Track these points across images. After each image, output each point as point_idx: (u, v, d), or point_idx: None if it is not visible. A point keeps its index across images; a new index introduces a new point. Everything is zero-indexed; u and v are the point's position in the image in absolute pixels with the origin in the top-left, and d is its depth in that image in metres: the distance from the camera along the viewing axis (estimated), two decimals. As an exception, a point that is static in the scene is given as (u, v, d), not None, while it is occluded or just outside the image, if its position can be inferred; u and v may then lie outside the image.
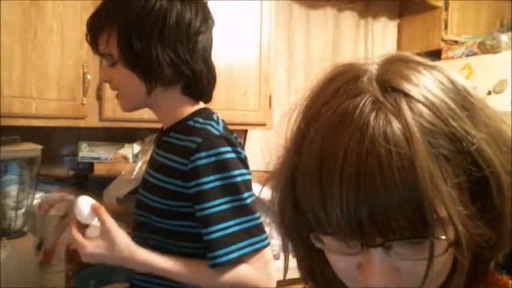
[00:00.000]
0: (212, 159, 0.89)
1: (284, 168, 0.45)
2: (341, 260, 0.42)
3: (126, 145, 1.86)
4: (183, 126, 0.98)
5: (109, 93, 1.65)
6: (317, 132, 0.40)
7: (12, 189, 1.38)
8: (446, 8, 2.35)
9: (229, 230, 0.89)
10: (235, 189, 0.91)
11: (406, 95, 0.38)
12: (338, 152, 0.37)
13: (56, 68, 1.48)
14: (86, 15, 1.56)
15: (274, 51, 2.05)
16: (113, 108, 1.65)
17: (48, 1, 1.45)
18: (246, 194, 0.92)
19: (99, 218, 0.92)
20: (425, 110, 0.38)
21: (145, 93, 0.95)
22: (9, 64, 1.34)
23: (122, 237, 0.91)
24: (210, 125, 0.95)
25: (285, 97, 2.37)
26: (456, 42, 2.28)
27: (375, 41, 2.55)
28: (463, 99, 0.41)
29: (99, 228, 0.91)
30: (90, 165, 1.78)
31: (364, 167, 0.36)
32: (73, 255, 1.42)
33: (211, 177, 0.89)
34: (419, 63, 0.42)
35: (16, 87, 1.37)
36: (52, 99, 1.49)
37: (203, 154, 0.89)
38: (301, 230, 0.44)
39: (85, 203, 0.94)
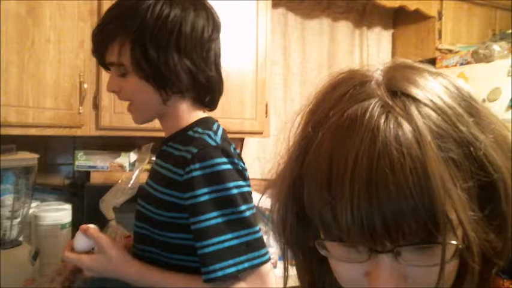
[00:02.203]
0: (207, 170, 0.86)
1: (286, 176, 0.43)
2: (347, 268, 0.40)
3: (123, 154, 1.85)
4: (182, 135, 0.96)
5: (105, 102, 1.65)
6: (325, 136, 0.39)
7: (8, 199, 1.37)
8: (440, 17, 2.38)
9: (226, 244, 0.85)
10: (231, 202, 0.87)
11: (415, 99, 0.38)
12: (348, 156, 0.36)
13: (52, 77, 1.49)
14: (83, 25, 1.58)
15: (271, 60, 2.07)
16: (109, 117, 1.66)
17: (46, 11, 1.46)
18: (243, 207, 0.88)
19: (92, 238, 0.93)
20: (433, 114, 0.38)
21: (160, 103, 0.93)
22: (5, 74, 1.35)
23: (117, 253, 0.91)
24: (207, 134, 0.91)
25: (281, 105, 2.38)
26: (450, 51, 2.30)
27: (369, 51, 2.57)
28: (469, 105, 0.41)
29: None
30: (87, 174, 1.78)
31: (376, 169, 0.35)
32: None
33: (206, 190, 0.86)
34: (424, 70, 0.42)
35: (12, 97, 1.37)
36: (48, 108, 1.49)
37: (197, 165, 0.86)
38: (303, 238, 0.44)
39: (78, 236, 0.96)
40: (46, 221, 1.50)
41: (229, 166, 0.88)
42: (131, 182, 1.64)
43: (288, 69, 2.39)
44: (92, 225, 0.97)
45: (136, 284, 0.91)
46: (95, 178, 1.74)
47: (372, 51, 2.57)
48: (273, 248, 1.72)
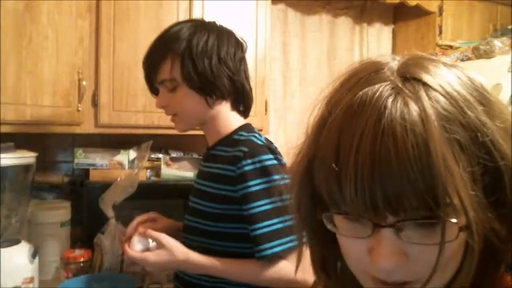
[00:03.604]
0: (257, 165, 1.03)
1: (303, 157, 0.46)
2: (352, 244, 0.42)
3: (122, 151, 1.85)
4: (228, 140, 1.12)
5: (104, 99, 1.64)
6: (337, 115, 0.41)
7: (7, 197, 1.37)
8: (441, 13, 2.37)
9: (273, 227, 1.01)
10: (277, 192, 1.01)
11: (425, 83, 0.40)
12: (355, 132, 0.38)
13: (50, 74, 1.48)
14: (81, 22, 1.57)
15: (270, 56, 2.06)
16: (108, 114, 1.65)
17: (43, 8, 1.45)
18: (285, 196, 1.00)
19: (151, 238, 1.06)
20: (442, 99, 0.39)
21: (205, 109, 1.10)
22: (3, 71, 1.34)
23: (177, 245, 1.05)
24: (254, 136, 1.09)
25: (280, 102, 2.37)
26: (451, 47, 2.29)
27: (370, 46, 2.56)
28: (480, 95, 0.42)
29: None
30: (86, 172, 1.77)
31: (380, 144, 0.37)
32: (67, 263, 1.41)
33: (257, 181, 1.02)
34: (439, 61, 0.44)
35: (10, 94, 1.36)
36: (47, 105, 1.48)
37: (249, 161, 1.03)
38: (315, 219, 0.45)
39: (136, 238, 1.09)
40: (45, 219, 1.49)
41: (274, 161, 1.05)
42: (131, 179, 1.63)
43: (287, 66, 2.38)
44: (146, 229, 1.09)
45: (196, 271, 1.06)
46: (94, 176, 1.73)
47: (372, 47, 2.56)
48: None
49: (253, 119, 1.95)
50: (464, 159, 0.37)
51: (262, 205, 1.02)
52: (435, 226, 0.37)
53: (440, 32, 2.37)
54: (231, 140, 1.11)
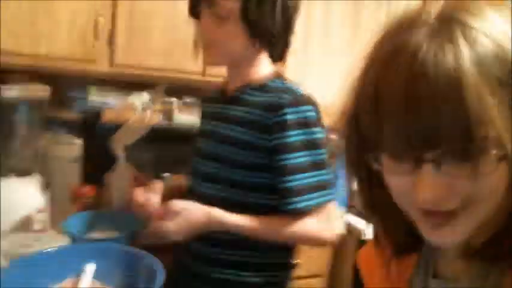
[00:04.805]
0: (300, 115, 0.98)
1: (350, 107, 0.47)
2: (397, 181, 0.45)
3: (136, 93, 1.84)
4: (261, 85, 1.05)
5: (121, 39, 1.61)
6: (376, 62, 0.43)
7: (20, 129, 1.38)
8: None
9: (306, 181, 0.98)
10: (316, 145, 0.99)
11: (463, 24, 0.40)
12: (391, 73, 0.40)
13: (67, 9, 1.44)
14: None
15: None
16: (124, 54, 1.62)
17: None
18: (322, 151, 1.01)
19: (166, 213, 1.01)
20: (481, 37, 0.39)
21: (247, 49, 1.03)
22: (19, 3, 1.30)
23: (195, 208, 1.00)
24: (294, 85, 1.04)
25: (299, 56, 2.31)
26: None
27: (398, 4, 2.45)
28: None
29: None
30: (98, 111, 1.77)
31: (413, 83, 0.38)
32: (77, 198, 1.44)
33: (297, 132, 0.98)
34: (486, 3, 0.43)
35: (27, 26, 1.34)
36: (62, 40, 1.46)
37: (291, 110, 0.98)
38: (363, 160, 0.47)
39: None
40: (57, 153, 1.51)
41: (314, 113, 1.01)
42: (143, 122, 1.63)
43: (309, 20, 2.30)
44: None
45: (218, 228, 1.00)
46: (107, 115, 1.73)
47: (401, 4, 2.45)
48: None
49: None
50: (504, 93, 0.38)
51: (298, 157, 0.98)
52: (473, 158, 0.38)
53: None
54: (264, 85, 1.05)
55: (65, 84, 1.84)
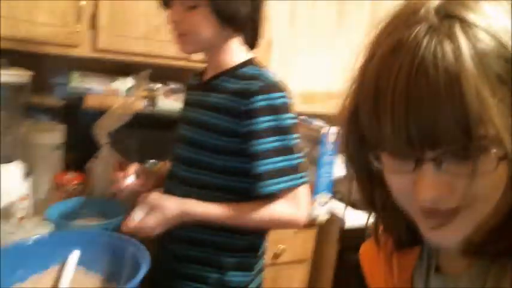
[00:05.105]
0: (269, 102, 1.01)
1: (350, 102, 0.47)
2: (397, 179, 0.45)
3: (119, 79, 1.81)
4: (235, 72, 1.09)
5: (104, 22, 1.58)
6: (376, 58, 0.43)
7: (2, 115, 1.35)
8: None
9: (277, 165, 1.02)
10: (285, 130, 1.03)
11: (462, 20, 0.39)
12: (391, 71, 0.40)
13: (48, -10, 1.40)
14: None
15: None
16: (107, 38, 1.59)
17: None
18: (292, 136, 1.04)
19: (140, 205, 1.04)
20: (480, 33, 0.38)
21: (219, 37, 1.07)
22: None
23: (168, 201, 1.03)
24: (267, 71, 1.07)
25: (284, 43, 2.30)
26: None
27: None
28: None
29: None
30: (82, 97, 1.74)
31: (413, 82, 0.38)
32: (60, 185, 1.42)
33: (266, 118, 1.01)
34: None
35: (5, 7, 1.30)
36: (42, 23, 1.42)
37: (261, 97, 1.01)
38: (363, 157, 0.48)
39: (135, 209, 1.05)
40: (39, 140, 1.48)
41: (286, 100, 1.04)
42: (127, 108, 1.61)
43: (295, 3, 2.28)
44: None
45: (196, 219, 1.03)
46: (90, 101, 1.70)
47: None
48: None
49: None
50: (504, 91, 0.38)
51: (268, 142, 1.02)
52: (474, 157, 0.39)
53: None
54: (238, 72, 1.08)
55: (46, 69, 1.80)
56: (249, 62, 1.10)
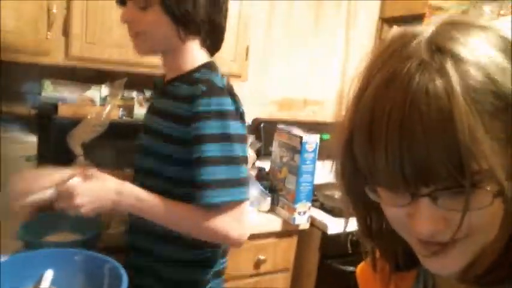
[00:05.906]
0: (213, 107, 0.96)
1: (344, 131, 0.47)
2: (393, 211, 0.45)
3: (94, 87, 1.76)
4: (188, 77, 1.04)
5: (77, 29, 1.53)
6: (370, 90, 0.43)
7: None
8: (434, -30, 2.29)
9: (219, 176, 0.96)
10: (229, 138, 0.97)
11: (453, 55, 0.40)
12: (385, 107, 0.40)
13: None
14: None
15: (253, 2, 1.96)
16: (80, 46, 1.54)
17: None
18: (237, 146, 0.98)
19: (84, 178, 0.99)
20: (471, 69, 0.39)
21: (174, 39, 1.02)
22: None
23: (110, 177, 0.98)
24: (215, 76, 1.02)
25: (261, 50, 2.29)
26: (440, 8, 2.24)
27: (357, 6, 2.49)
28: None
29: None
30: (55, 106, 1.69)
31: (407, 119, 0.38)
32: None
33: (210, 123, 0.96)
34: (472, 25, 0.43)
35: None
36: (11, 30, 1.37)
37: (205, 101, 0.96)
38: (359, 187, 0.48)
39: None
40: (10, 152, 1.43)
41: (232, 107, 0.99)
42: (102, 117, 1.57)
43: (272, 11, 2.28)
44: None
45: (132, 208, 0.98)
46: (63, 111, 1.65)
47: (360, 3, 2.48)
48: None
49: (232, 65, 1.89)
50: (496, 127, 0.38)
51: (209, 150, 0.96)
52: (468, 194, 0.39)
53: (432, -9, 2.30)
54: (191, 77, 1.04)
55: (17, 77, 1.74)
56: (203, 66, 1.06)
